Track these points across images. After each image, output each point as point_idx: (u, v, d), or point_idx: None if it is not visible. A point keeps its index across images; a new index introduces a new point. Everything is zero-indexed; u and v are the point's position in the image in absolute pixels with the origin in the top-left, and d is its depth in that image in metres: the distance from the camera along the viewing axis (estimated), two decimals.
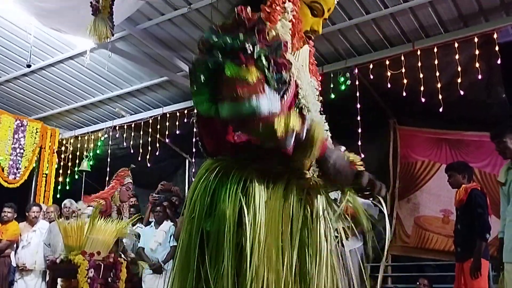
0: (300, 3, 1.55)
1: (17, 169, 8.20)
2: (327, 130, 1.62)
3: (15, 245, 6.60)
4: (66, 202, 6.87)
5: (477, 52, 5.29)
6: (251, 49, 1.29)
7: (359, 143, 5.93)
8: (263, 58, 1.31)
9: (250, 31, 1.32)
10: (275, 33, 1.39)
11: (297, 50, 1.58)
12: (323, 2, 1.59)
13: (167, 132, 7.91)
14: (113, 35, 4.75)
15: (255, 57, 1.30)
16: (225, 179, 1.38)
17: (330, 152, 1.39)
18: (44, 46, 6.68)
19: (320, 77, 1.71)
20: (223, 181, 1.38)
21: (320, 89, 1.67)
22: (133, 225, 5.94)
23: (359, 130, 6.07)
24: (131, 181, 6.12)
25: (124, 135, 8.54)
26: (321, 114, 1.62)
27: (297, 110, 1.45)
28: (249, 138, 1.41)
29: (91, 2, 4.50)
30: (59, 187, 8.94)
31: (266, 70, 1.31)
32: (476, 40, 5.30)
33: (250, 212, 1.32)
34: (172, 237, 5.77)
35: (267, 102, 1.26)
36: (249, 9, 1.36)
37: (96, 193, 5.94)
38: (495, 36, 5.20)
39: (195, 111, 1.53)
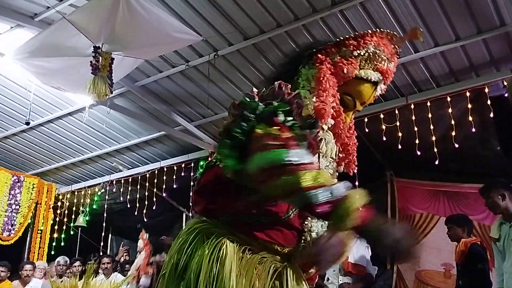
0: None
1: (12, 225, 8.09)
2: None
3: None
4: (60, 259, 6.74)
5: (469, 106, 5.38)
6: (283, 117, 1.28)
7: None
8: (297, 129, 1.30)
9: (287, 103, 1.31)
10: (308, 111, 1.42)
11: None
12: (356, 96, 1.54)
13: (164, 186, 7.89)
14: (112, 92, 4.84)
15: (287, 125, 1.29)
16: (201, 243, 1.36)
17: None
18: (44, 103, 6.77)
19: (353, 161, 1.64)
20: (198, 245, 1.36)
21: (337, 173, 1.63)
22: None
23: (356, 183, 6.06)
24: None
25: (121, 190, 8.50)
26: None
27: None
28: (248, 203, 1.38)
29: (91, 61, 4.61)
30: (53, 244, 8.78)
31: (301, 138, 1.30)
32: (468, 94, 5.41)
33: (220, 283, 1.27)
34: None
35: (298, 152, 1.22)
36: (289, 86, 1.36)
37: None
38: (486, 90, 5.31)
39: (201, 170, 1.52)
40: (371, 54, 1.51)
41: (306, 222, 1.46)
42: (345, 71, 1.48)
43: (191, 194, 7.39)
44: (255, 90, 1.36)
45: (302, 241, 1.45)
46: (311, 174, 1.18)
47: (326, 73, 1.47)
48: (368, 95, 1.55)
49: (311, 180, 1.17)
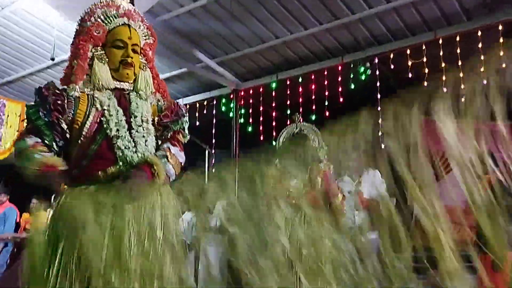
0: (107, 48, 1.96)
1: None
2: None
3: None
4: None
5: (501, 40, 5.19)
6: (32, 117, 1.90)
7: (380, 133, 5.89)
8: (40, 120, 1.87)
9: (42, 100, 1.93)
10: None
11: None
12: (120, 37, 1.95)
13: None
14: None
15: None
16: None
17: None
18: (67, 39, 6.76)
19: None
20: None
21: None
22: None
23: (380, 121, 6.02)
24: None
25: None
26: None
27: (104, 132, 1.85)
28: None
29: None
30: None
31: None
32: (500, 28, 5.20)
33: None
34: None
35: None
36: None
37: None
38: None
39: None
40: (103, 14, 1.98)
41: (114, 142, 1.84)
42: (95, 31, 1.94)
43: (213, 131, 7.48)
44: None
45: (118, 158, 1.83)
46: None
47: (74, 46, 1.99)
48: (127, 32, 1.97)
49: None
